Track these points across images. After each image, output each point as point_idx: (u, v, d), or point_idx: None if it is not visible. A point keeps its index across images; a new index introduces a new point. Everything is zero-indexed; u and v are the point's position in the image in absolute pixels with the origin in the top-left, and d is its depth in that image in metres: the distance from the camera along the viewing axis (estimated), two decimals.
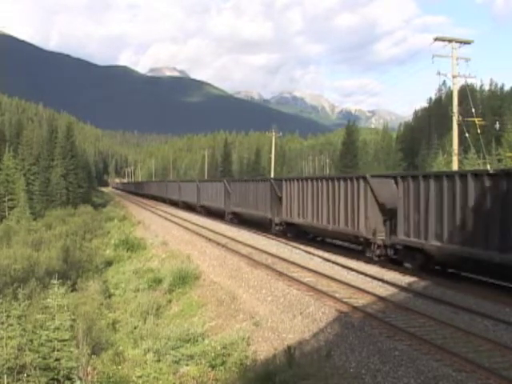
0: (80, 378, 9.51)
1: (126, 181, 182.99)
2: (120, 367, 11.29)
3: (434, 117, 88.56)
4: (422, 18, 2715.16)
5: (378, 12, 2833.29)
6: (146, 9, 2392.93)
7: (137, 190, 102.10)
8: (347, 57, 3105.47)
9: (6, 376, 8.99)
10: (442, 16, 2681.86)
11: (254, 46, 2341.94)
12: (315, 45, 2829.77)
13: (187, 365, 11.36)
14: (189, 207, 47.54)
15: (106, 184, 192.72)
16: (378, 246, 16.90)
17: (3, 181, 52.79)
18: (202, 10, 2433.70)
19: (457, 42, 26.22)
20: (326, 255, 19.65)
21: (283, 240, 24.43)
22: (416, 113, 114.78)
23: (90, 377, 9.86)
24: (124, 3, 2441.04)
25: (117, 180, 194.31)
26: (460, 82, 28.31)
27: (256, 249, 21.75)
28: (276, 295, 14.28)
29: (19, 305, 11.16)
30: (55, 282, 10.36)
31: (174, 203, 55.43)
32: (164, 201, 61.91)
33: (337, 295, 13.23)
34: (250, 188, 29.95)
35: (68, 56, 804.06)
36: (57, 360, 9.36)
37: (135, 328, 14.96)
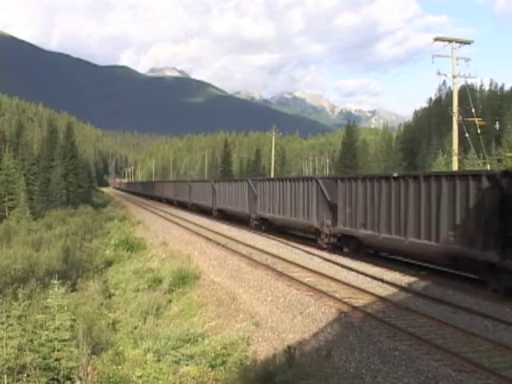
0: (80, 378, 9.50)
1: (126, 181, 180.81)
2: (120, 367, 11.28)
3: (434, 117, 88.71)
4: (424, 17, 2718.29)
5: (379, 12, 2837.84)
6: (148, 9, 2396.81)
7: (145, 192, 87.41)
8: (348, 57, 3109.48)
9: (6, 376, 8.99)
10: (444, 16, 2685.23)
11: (255, 46, 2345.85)
12: (316, 45, 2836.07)
13: (187, 365, 11.35)
14: (227, 217, 35.69)
15: (106, 184, 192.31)
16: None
17: (3, 181, 52.77)
18: (204, 9, 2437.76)
19: (457, 42, 26.28)
20: (326, 255, 19.65)
21: (283, 240, 24.45)
22: (416, 113, 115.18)
23: (90, 377, 9.85)
24: (125, 3, 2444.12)
25: (118, 180, 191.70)
26: (460, 82, 28.42)
27: (256, 249, 21.75)
28: (276, 295, 14.28)
29: (19, 305, 11.15)
30: (55, 282, 10.34)
31: (201, 210, 43.17)
32: (185, 206, 49.48)
33: (337, 295, 13.23)
34: (386, 191, 16.87)
35: (68, 56, 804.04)
36: (57, 360, 9.35)
37: (135, 328, 14.96)
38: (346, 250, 19.74)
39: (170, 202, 59.15)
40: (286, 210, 24.48)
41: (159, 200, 67.37)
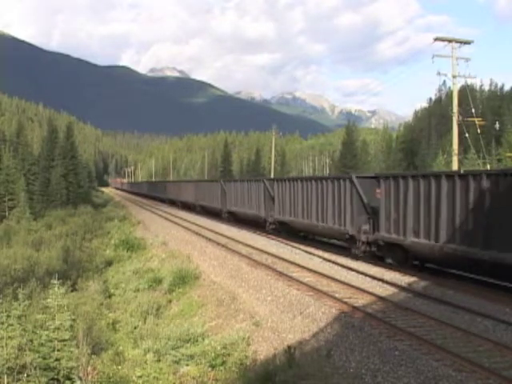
0: (80, 378, 9.49)
1: (126, 180, 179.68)
2: (120, 367, 11.29)
3: (434, 117, 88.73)
4: (425, 17, 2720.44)
5: (380, 11, 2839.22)
6: (148, 8, 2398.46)
7: (152, 193, 77.53)
8: (349, 57, 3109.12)
9: (6, 376, 8.99)
10: (445, 16, 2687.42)
11: (255, 46, 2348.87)
12: (317, 44, 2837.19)
13: (187, 365, 11.36)
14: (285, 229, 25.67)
15: (106, 184, 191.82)
16: None
17: (3, 181, 52.75)
18: (205, 9, 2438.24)
19: (457, 42, 26.30)
20: (326, 255, 19.64)
21: (283, 240, 24.42)
22: (416, 113, 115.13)
23: (90, 377, 9.84)
24: (126, 3, 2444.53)
25: (119, 180, 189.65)
26: (460, 82, 28.46)
27: (256, 249, 21.75)
28: (276, 295, 14.28)
29: (19, 305, 11.14)
30: (55, 281, 10.34)
31: (238, 220, 33.53)
32: (216, 214, 38.07)
33: (337, 295, 13.23)
34: None
35: (68, 56, 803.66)
36: (57, 360, 9.34)
37: (135, 328, 14.96)
38: None
39: (186, 207, 49.94)
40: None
41: (172, 203, 57.54)
